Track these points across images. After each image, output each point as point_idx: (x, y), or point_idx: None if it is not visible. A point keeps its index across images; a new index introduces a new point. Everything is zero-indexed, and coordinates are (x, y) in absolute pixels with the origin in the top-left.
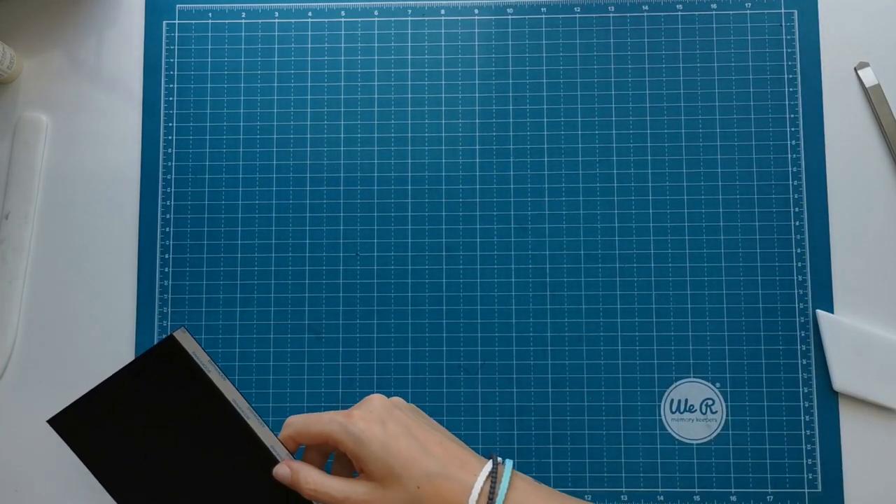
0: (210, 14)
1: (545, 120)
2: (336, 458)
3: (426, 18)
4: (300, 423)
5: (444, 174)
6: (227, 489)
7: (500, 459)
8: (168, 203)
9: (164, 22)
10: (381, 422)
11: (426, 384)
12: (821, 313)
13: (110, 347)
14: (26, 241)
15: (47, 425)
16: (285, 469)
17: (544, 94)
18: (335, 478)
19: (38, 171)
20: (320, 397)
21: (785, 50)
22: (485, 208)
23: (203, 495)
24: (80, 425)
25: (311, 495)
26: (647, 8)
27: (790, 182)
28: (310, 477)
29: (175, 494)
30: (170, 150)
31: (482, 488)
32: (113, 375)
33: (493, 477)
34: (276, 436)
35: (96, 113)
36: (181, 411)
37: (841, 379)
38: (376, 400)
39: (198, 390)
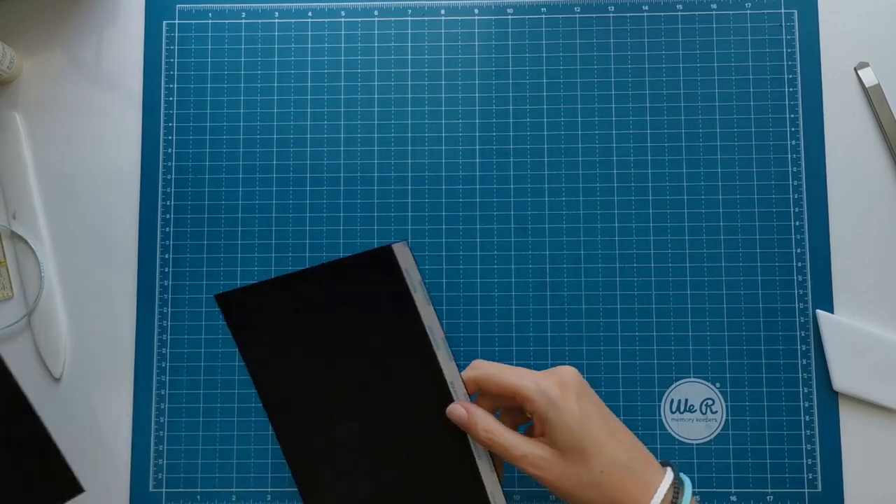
0: (210, 14)
1: (545, 120)
2: (504, 413)
3: (426, 18)
4: (491, 370)
5: (444, 174)
6: (390, 415)
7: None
8: (168, 203)
9: (164, 22)
10: (577, 395)
11: None
12: (821, 313)
13: (110, 347)
14: (43, 233)
15: (47, 423)
16: (461, 410)
17: (544, 94)
18: (515, 433)
19: (27, 167)
20: None
21: (785, 50)
22: (485, 208)
23: (363, 417)
24: (250, 310)
25: (485, 442)
26: (647, 8)
27: (790, 182)
28: (488, 424)
29: (331, 410)
30: (170, 150)
31: (665, 493)
32: (309, 269)
33: (676, 487)
34: (460, 374)
35: (96, 113)
36: (369, 324)
37: (841, 379)
38: (570, 372)
39: (395, 308)
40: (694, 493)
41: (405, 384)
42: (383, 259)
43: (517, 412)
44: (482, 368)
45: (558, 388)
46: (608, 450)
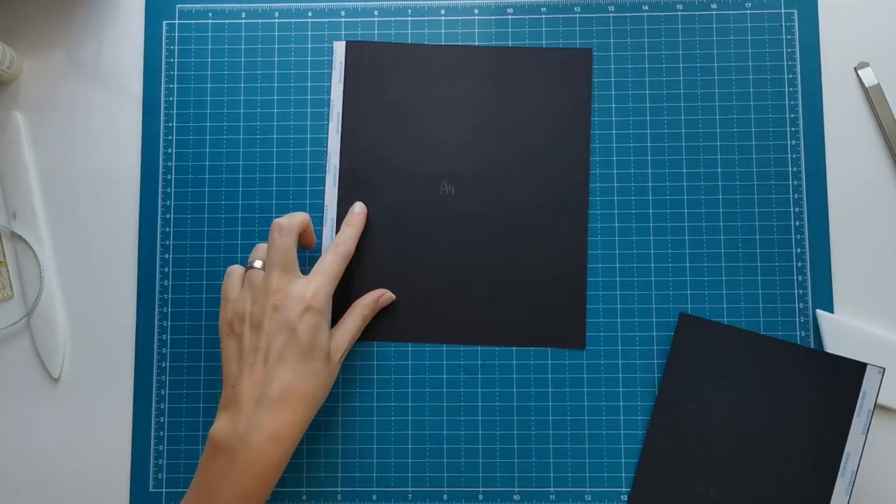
0: (210, 14)
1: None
2: None
3: (426, 18)
4: None
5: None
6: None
7: None
8: (168, 203)
9: (164, 22)
10: None
11: (426, 384)
12: (821, 313)
13: (110, 347)
14: (43, 233)
15: (47, 423)
16: None
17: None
18: None
19: (27, 167)
20: None
21: (785, 50)
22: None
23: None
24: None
25: None
26: (647, 8)
27: (790, 182)
28: None
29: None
30: (170, 150)
31: None
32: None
33: None
34: None
35: (96, 113)
36: (797, 414)
37: None
38: None
39: (829, 416)
40: None
41: (789, 487)
42: (851, 371)
43: None
44: None
45: None
46: None
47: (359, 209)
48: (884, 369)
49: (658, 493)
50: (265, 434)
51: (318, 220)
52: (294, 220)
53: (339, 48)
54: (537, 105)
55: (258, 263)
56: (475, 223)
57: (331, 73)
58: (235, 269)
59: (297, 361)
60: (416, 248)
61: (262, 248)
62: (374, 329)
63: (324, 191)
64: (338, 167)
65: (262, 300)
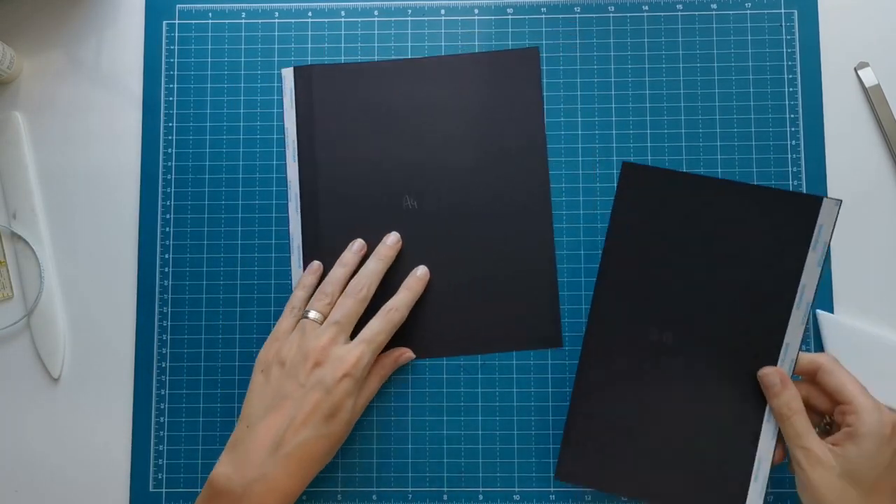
0: (210, 14)
1: (545, 120)
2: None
3: (426, 18)
4: (836, 367)
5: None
6: (706, 338)
7: None
8: (168, 203)
9: (164, 22)
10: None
11: (426, 384)
12: (821, 313)
13: (110, 347)
14: (43, 233)
15: (47, 423)
16: (776, 377)
17: (545, 93)
18: (818, 436)
19: (27, 167)
20: None
21: (785, 50)
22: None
23: (680, 328)
24: (650, 188)
25: (782, 415)
26: (647, 8)
27: (790, 182)
28: (793, 402)
29: (651, 311)
30: (170, 150)
31: None
32: (727, 181)
33: None
34: (800, 348)
35: (96, 113)
36: (748, 252)
37: None
38: None
39: (785, 251)
40: None
41: (743, 321)
42: (807, 205)
43: (814, 413)
44: (827, 359)
45: (891, 427)
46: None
47: (421, 272)
48: (840, 201)
49: (612, 343)
50: (270, 486)
51: (284, 247)
52: (371, 289)
53: (288, 75)
54: (491, 109)
55: (314, 315)
56: (441, 234)
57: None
58: (295, 311)
59: (321, 421)
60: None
61: (324, 294)
62: None
63: (288, 218)
64: (299, 195)
65: (307, 352)
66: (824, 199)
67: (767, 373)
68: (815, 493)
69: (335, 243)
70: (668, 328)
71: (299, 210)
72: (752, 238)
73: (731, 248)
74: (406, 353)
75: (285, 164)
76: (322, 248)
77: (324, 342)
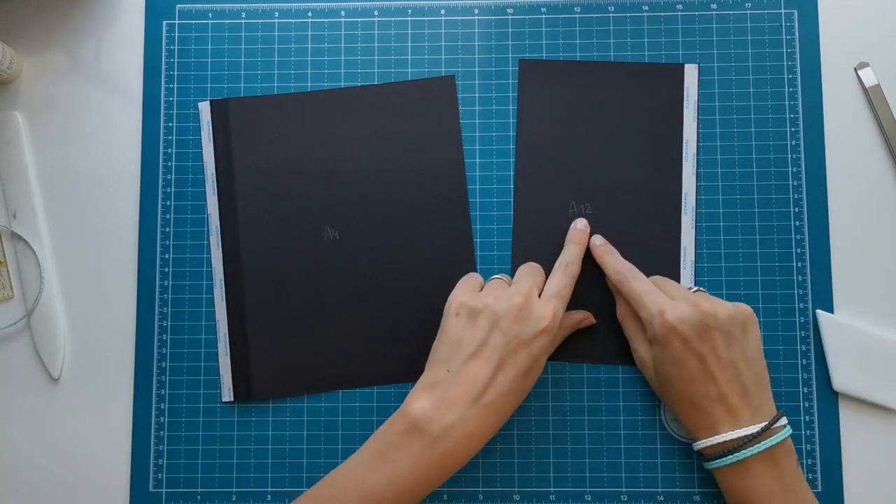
0: (210, 14)
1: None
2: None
3: (426, 18)
4: (629, 274)
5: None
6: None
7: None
8: (168, 203)
9: (164, 22)
10: (685, 339)
11: None
12: (821, 313)
13: (110, 347)
14: (43, 233)
15: (47, 423)
16: (601, 245)
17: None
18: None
19: (27, 167)
20: (320, 397)
21: (785, 50)
22: (484, 209)
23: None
24: (541, 77)
25: (613, 282)
26: (647, 8)
27: (790, 182)
28: (622, 269)
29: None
30: (170, 150)
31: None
32: (606, 63)
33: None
34: (696, 197)
35: (96, 113)
36: (639, 122)
37: (841, 379)
38: (701, 313)
39: (665, 113)
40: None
41: (645, 181)
42: (674, 72)
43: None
44: (627, 269)
45: (665, 330)
46: (683, 388)
47: (581, 225)
48: (698, 64)
49: (537, 220)
50: (468, 432)
51: (208, 275)
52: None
53: (205, 108)
54: (409, 138)
55: (500, 275)
56: (364, 262)
57: (331, 73)
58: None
59: (518, 375)
60: (308, 296)
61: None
62: (288, 381)
63: (210, 251)
64: (219, 227)
65: (507, 302)
66: (685, 66)
67: (614, 281)
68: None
69: (256, 276)
70: (583, 200)
71: (220, 244)
72: (638, 107)
73: (623, 119)
74: (589, 318)
75: (205, 199)
76: (244, 281)
77: (525, 292)
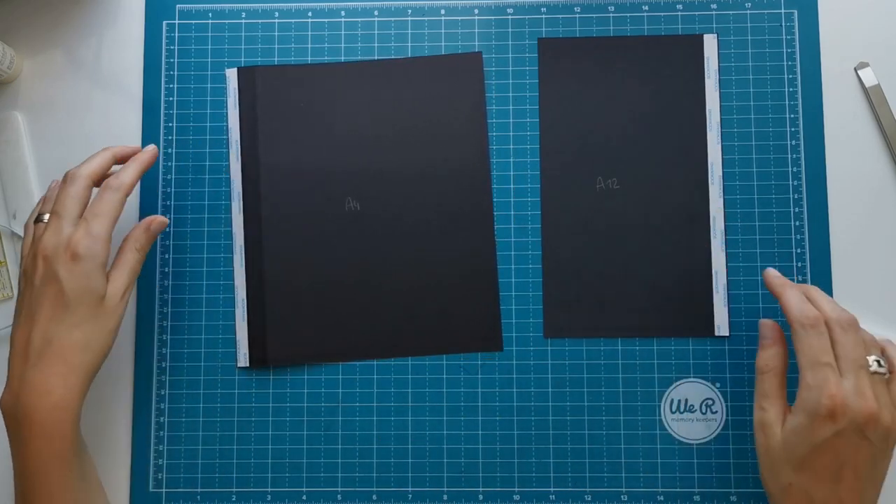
0: (210, 14)
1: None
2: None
3: (426, 18)
4: (797, 326)
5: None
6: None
7: None
8: (168, 203)
9: (164, 22)
10: (839, 429)
11: (426, 384)
12: None
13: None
14: None
15: None
16: (766, 330)
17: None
18: (781, 399)
19: (27, 167)
20: (320, 397)
21: (785, 50)
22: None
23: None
24: (561, 56)
25: (758, 370)
26: (646, 8)
27: (790, 182)
28: (772, 361)
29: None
30: (170, 150)
31: None
32: (622, 37)
33: None
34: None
35: (96, 113)
36: (661, 97)
37: None
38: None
39: (687, 82)
40: None
41: (671, 152)
42: (693, 43)
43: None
44: (795, 314)
45: (827, 410)
46: (804, 477)
47: (152, 148)
48: (717, 34)
49: (565, 196)
50: (37, 390)
51: (228, 248)
52: (84, 168)
53: (232, 75)
54: (434, 112)
55: (45, 217)
56: (383, 235)
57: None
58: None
59: (64, 312)
60: (326, 266)
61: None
62: (303, 350)
63: (231, 218)
64: (241, 193)
65: (34, 254)
66: (704, 36)
67: (763, 323)
68: (757, 451)
69: (276, 243)
70: (611, 175)
71: (241, 210)
72: (659, 80)
73: (645, 92)
74: (157, 220)
75: (228, 164)
76: (263, 249)
77: (46, 236)
